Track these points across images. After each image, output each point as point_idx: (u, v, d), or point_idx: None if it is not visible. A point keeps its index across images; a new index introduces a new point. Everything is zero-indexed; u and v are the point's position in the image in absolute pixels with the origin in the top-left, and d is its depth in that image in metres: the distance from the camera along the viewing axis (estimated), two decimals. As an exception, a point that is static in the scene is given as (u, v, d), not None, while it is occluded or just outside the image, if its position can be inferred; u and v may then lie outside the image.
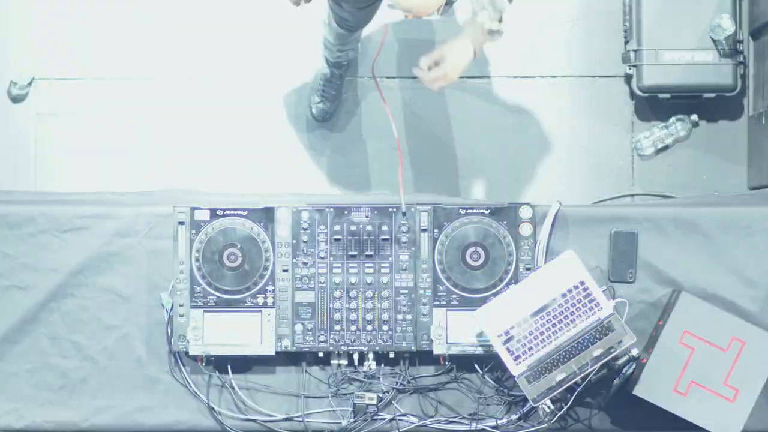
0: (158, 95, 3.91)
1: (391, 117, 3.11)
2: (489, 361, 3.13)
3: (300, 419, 3.14)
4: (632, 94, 3.91)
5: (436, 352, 3.11)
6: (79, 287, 3.15)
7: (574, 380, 3.00)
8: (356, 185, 3.84)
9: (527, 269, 3.12)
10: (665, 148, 3.91)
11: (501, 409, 3.15)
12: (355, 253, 3.11)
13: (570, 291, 3.04)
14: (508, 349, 3.03)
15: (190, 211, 3.11)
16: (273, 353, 3.10)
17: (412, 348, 3.12)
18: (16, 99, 3.92)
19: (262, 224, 3.12)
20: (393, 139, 3.44)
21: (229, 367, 3.13)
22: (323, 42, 3.66)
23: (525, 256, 3.12)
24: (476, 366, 3.15)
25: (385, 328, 3.12)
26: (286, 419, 3.14)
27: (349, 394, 3.14)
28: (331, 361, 3.14)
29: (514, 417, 3.14)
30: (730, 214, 3.19)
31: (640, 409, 3.05)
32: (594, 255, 3.15)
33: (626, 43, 3.85)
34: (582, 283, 3.05)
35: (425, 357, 3.15)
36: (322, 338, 3.12)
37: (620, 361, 3.05)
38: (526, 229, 3.13)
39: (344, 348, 3.12)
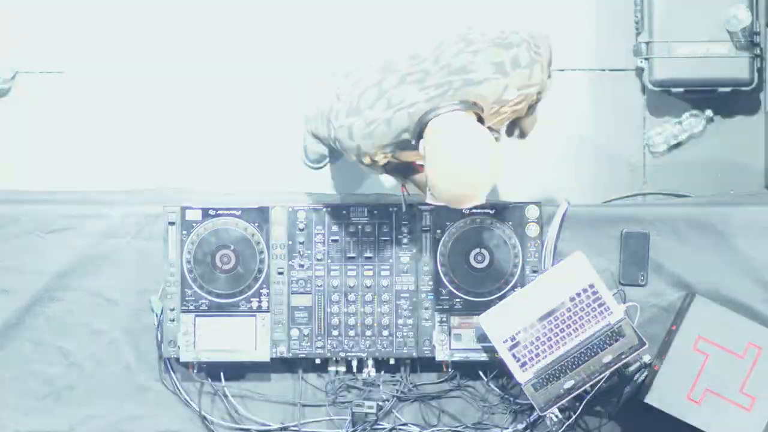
0: (148, 90, 3.91)
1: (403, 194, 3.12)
2: (494, 368, 3.14)
3: (296, 428, 3.14)
4: (644, 89, 3.91)
5: (438, 358, 3.12)
6: (64, 290, 3.15)
7: (583, 388, 3.01)
8: (355, 184, 3.84)
9: (534, 272, 3.12)
10: (678, 144, 3.91)
11: (506, 418, 3.16)
12: (353, 254, 3.12)
13: (579, 294, 3.05)
14: (513, 356, 3.03)
15: (181, 210, 3.12)
16: (268, 360, 3.11)
17: (414, 354, 3.13)
18: (-2, 93, 3.93)
19: (256, 224, 3.12)
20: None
21: (221, 374, 3.14)
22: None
23: (531, 258, 3.13)
24: (480, 373, 3.16)
25: (385, 333, 3.13)
26: (281, 428, 3.15)
27: (348, 402, 3.15)
28: (329, 368, 3.14)
29: (520, 426, 3.15)
30: (746, 214, 3.20)
31: (652, 418, 3.06)
32: (604, 257, 3.15)
33: (637, 35, 3.85)
34: (591, 286, 3.05)
35: (427, 363, 3.15)
36: (320, 344, 3.12)
37: (631, 368, 3.06)
38: (532, 230, 3.14)
39: (342, 354, 3.12)
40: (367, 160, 2.71)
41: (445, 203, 2.60)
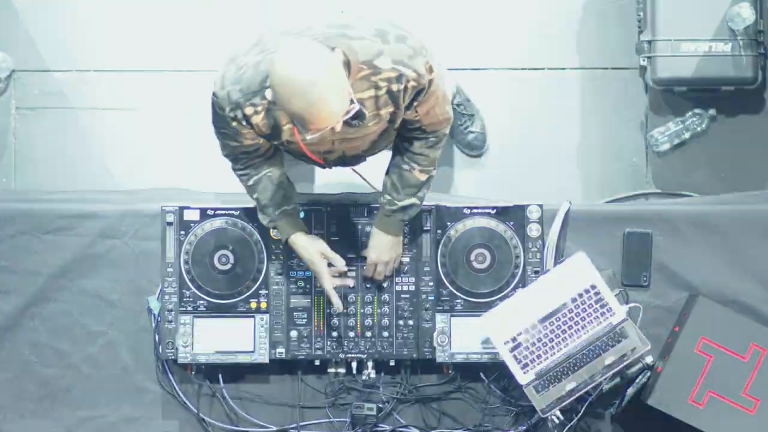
0: (146, 88, 3.91)
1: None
2: (495, 370, 3.14)
3: (295, 431, 3.14)
4: (647, 87, 3.91)
5: (438, 360, 3.11)
6: (61, 291, 3.15)
7: (585, 390, 3.00)
8: (354, 183, 3.84)
9: (535, 272, 3.12)
10: (681, 144, 3.91)
11: (508, 420, 3.16)
12: (353, 255, 3.11)
13: (581, 295, 3.05)
14: (515, 357, 3.03)
15: (179, 210, 3.12)
16: (267, 361, 3.10)
17: (414, 356, 3.13)
18: (-5, 92, 3.93)
19: (255, 225, 3.12)
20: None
21: (220, 375, 3.14)
22: None
23: (533, 258, 3.13)
24: (481, 375, 3.16)
25: (385, 334, 3.13)
26: (280, 431, 3.15)
27: (348, 404, 3.14)
28: (328, 370, 3.14)
29: (521, 428, 3.15)
30: (750, 214, 3.20)
31: (655, 420, 3.05)
32: (606, 257, 3.15)
33: (640, 33, 3.85)
34: (593, 287, 3.05)
35: (427, 365, 3.15)
36: (319, 345, 3.12)
37: (634, 370, 3.05)
38: (534, 230, 3.13)
39: (342, 356, 3.12)
40: (239, 114, 2.67)
41: (296, 124, 2.54)
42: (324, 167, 2.99)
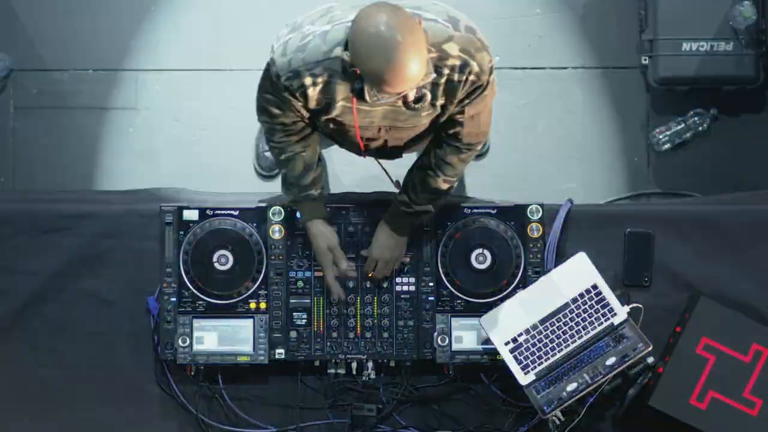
0: (145, 88, 3.91)
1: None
2: (495, 371, 3.13)
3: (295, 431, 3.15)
4: (648, 87, 3.91)
5: (439, 360, 3.11)
6: (60, 292, 3.14)
7: (586, 391, 3.00)
8: (354, 183, 3.84)
9: (536, 273, 3.11)
10: (683, 143, 3.91)
11: (508, 421, 3.15)
12: (353, 255, 3.11)
13: (582, 296, 3.04)
14: (515, 358, 3.02)
15: (178, 210, 3.11)
16: (266, 362, 3.10)
17: (414, 356, 3.12)
18: (-7, 92, 3.93)
19: (254, 225, 3.12)
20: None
21: (219, 376, 3.13)
22: None
23: (534, 258, 3.12)
24: (482, 375, 3.15)
25: (385, 335, 3.12)
26: (280, 432, 3.15)
27: (347, 405, 3.14)
28: (328, 371, 3.13)
29: (522, 429, 3.14)
30: (751, 214, 3.19)
31: (656, 421, 3.05)
32: (607, 257, 3.14)
33: (642, 32, 3.85)
34: (594, 287, 3.04)
35: (428, 366, 3.14)
36: (319, 346, 3.11)
37: (635, 371, 3.05)
38: (535, 230, 3.13)
39: (342, 356, 3.12)
40: (295, 84, 2.63)
41: (375, 87, 2.49)
42: (361, 154, 2.96)
